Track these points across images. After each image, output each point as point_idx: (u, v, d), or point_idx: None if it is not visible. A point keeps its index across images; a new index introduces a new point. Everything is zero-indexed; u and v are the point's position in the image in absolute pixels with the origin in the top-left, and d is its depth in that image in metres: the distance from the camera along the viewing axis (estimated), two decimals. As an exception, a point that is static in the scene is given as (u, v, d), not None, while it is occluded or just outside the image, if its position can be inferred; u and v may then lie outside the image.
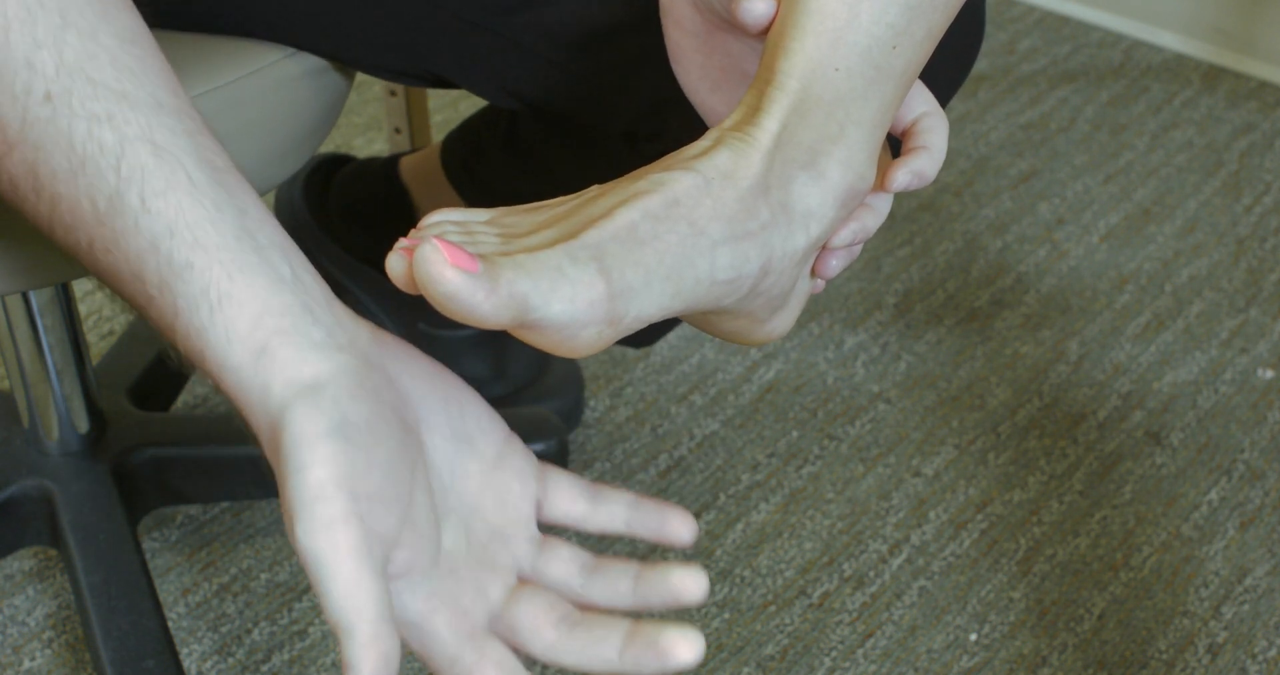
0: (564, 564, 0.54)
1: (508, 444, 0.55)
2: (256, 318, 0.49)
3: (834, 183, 0.57)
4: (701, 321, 0.61)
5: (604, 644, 0.51)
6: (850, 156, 0.57)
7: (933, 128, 0.61)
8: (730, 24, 0.61)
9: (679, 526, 0.55)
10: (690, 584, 0.52)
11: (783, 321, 0.62)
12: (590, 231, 0.52)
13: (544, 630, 0.52)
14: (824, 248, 0.60)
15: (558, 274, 0.50)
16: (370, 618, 0.47)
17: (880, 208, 0.61)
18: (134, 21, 0.53)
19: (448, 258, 0.47)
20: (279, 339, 0.49)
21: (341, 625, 0.47)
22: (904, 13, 0.56)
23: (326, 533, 0.48)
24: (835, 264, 0.61)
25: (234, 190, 0.51)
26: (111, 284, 0.51)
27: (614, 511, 0.56)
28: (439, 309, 0.48)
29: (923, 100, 0.62)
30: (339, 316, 0.51)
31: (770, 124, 0.56)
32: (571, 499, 0.56)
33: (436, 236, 0.48)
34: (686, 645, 0.50)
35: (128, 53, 0.52)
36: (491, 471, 0.54)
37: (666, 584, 0.53)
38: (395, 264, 0.49)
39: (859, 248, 0.62)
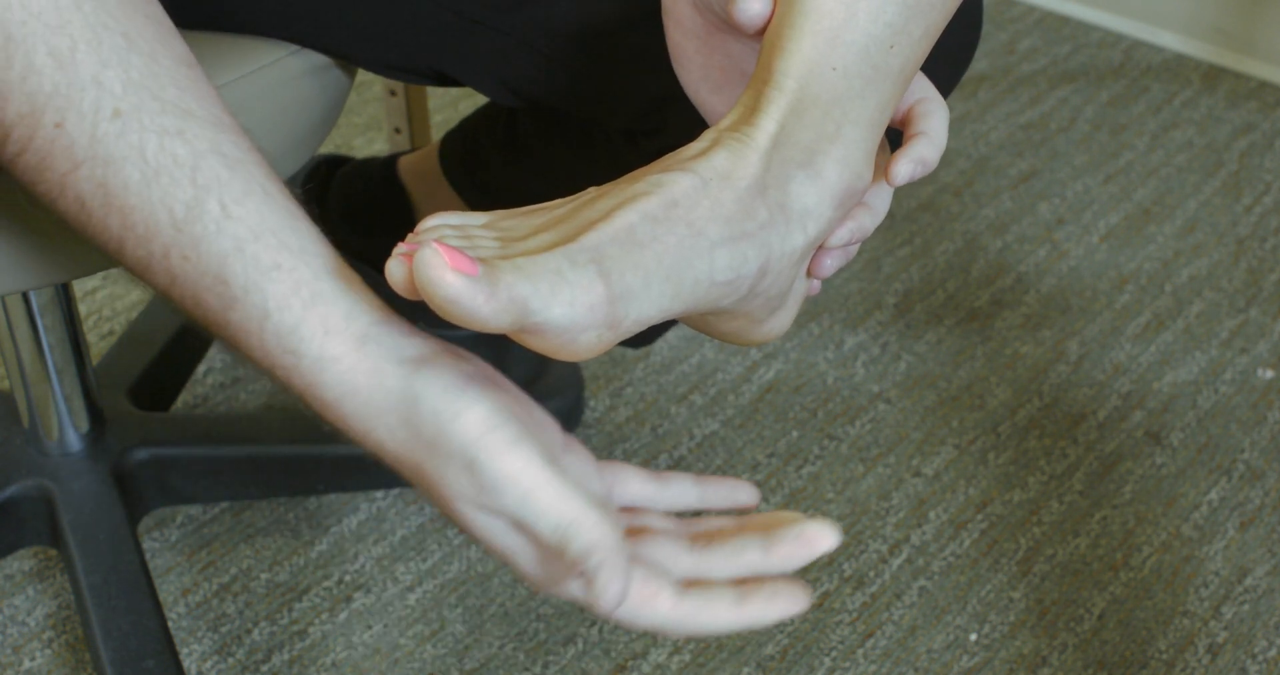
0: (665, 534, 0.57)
1: (567, 436, 0.57)
2: (349, 312, 0.52)
3: (831, 182, 0.57)
4: (699, 322, 0.61)
5: (746, 552, 0.54)
6: (848, 155, 0.57)
7: (930, 112, 0.61)
8: (730, 24, 0.61)
9: (745, 494, 0.58)
10: (824, 533, 0.54)
11: (780, 322, 0.62)
12: (589, 234, 0.52)
13: (680, 557, 0.54)
14: (820, 248, 0.60)
15: (557, 277, 0.50)
16: (587, 507, 0.51)
17: (878, 207, 0.61)
18: (186, 48, 0.55)
19: (448, 262, 0.47)
20: (378, 328, 0.52)
21: (562, 527, 0.50)
22: (901, 11, 0.56)
23: (514, 451, 0.51)
24: (830, 264, 0.61)
25: (297, 203, 0.54)
26: (186, 293, 0.52)
27: (682, 489, 0.58)
28: (440, 313, 0.48)
29: (919, 88, 0.62)
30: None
31: (767, 124, 0.56)
32: (641, 482, 0.58)
33: (436, 240, 0.49)
34: (826, 530, 0.53)
35: (186, 75, 0.54)
36: (565, 455, 0.55)
37: (799, 538, 0.55)
38: (395, 270, 0.49)
39: (855, 248, 0.62)
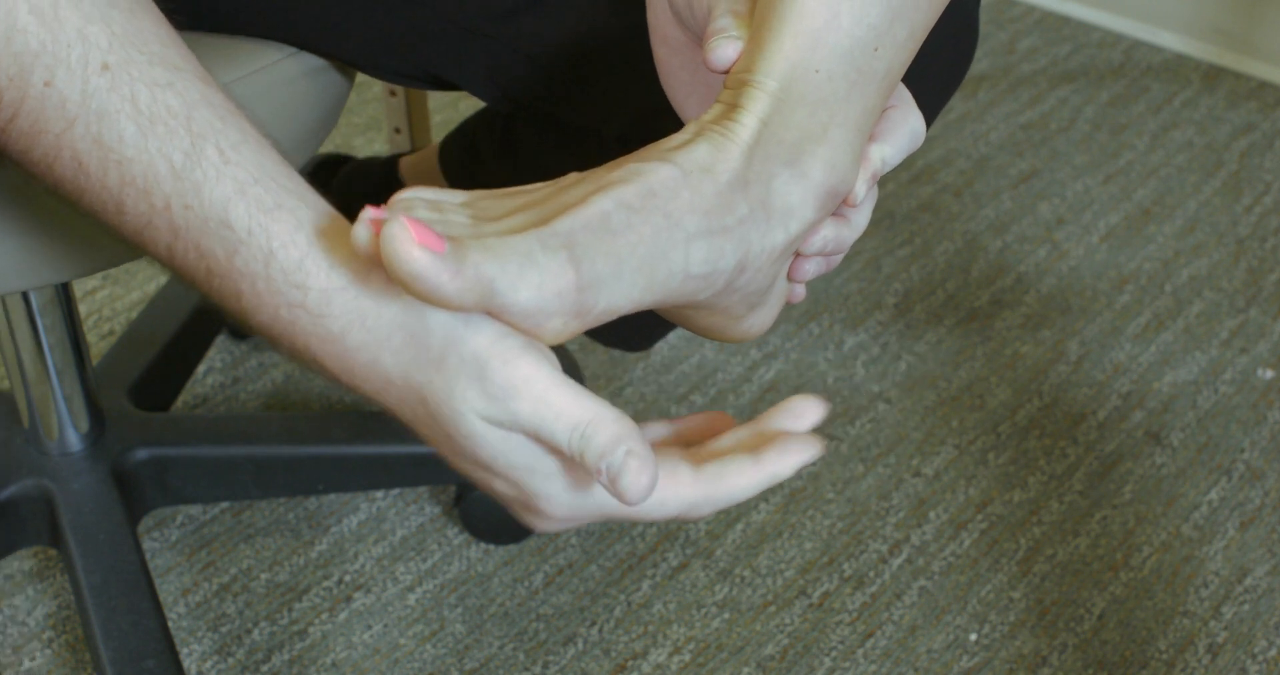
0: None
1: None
2: (352, 248, 0.51)
3: (816, 182, 0.56)
4: (677, 316, 0.61)
5: (737, 456, 0.55)
6: (834, 157, 0.56)
7: (892, 119, 0.60)
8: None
9: (721, 420, 0.59)
10: (810, 403, 0.56)
11: (760, 320, 0.61)
12: (563, 219, 0.51)
13: (680, 469, 0.55)
14: (797, 253, 0.59)
15: (527, 260, 0.50)
16: (603, 405, 0.52)
17: (856, 221, 0.60)
18: (158, 11, 0.55)
19: (414, 236, 0.47)
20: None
21: (581, 425, 0.50)
22: (885, 14, 0.55)
23: (526, 357, 0.51)
24: (810, 269, 0.60)
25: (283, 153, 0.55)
26: (189, 244, 0.52)
27: (657, 429, 0.60)
28: (403, 289, 0.48)
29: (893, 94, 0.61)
30: None
31: (750, 120, 0.55)
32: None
33: (405, 214, 0.48)
34: (812, 400, 0.55)
35: (166, 32, 0.54)
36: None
37: (788, 412, 0.56)
38: (361, 234, 0.49)
39: (837, 258, 0.61)
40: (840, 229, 0.59)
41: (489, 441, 0.52)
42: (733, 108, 0.56)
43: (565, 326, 0.51)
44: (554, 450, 0.52)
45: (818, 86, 0.55)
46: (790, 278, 0.61)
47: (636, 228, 0.52)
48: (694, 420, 0.59)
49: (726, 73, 0.57)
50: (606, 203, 0.52)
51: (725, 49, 0.57)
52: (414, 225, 0.47)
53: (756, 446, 0.54)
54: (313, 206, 0.53)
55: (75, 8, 0.52)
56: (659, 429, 0.59)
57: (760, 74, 0.56)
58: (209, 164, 0.51)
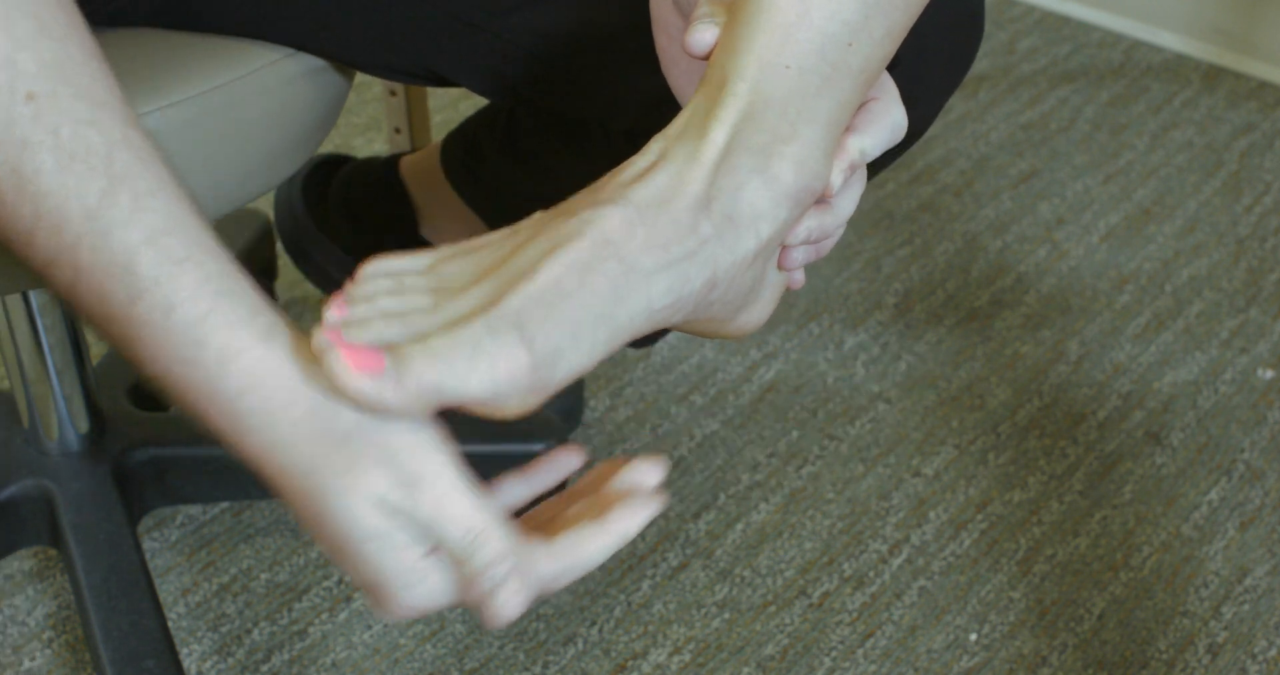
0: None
1: None
2: (255, 308, 0.51)
3: (786, 183, 0.56)
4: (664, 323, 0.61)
5: (584, 522, 0.55)
6: (804, 155, 0.56)
7: (871, 111, 0.59)
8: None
9: (566, 460, 0.61)
10: (650, 468, 0.57)
11: (754, 316, 0.61)
12: (512, 295, 0.51)
13: (535, 552, 0.54)
14: (783, 245, 0.59)
15: (475, 350, 0.50)
16: (496, 520, 0.52)
17: (841, 207, 0.60)
18: (94, 41, 0.54)
19: (351, 366, 0.49)
20: (285, 326, 0.52)
21: (473, 533, 0.51)
22: (860, 9, 0.55)
23: (439, 453, 0.52)
24: (798, 257, 0.60)
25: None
26: (91, 285, 0.51)
27: (511, 488, 0.59)
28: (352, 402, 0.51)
29: (876, 86, 0.60)
30: None
31: (718, 135, 0.55)
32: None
33: (342, 341, 0.50)
34: (653, 465, 0.56)
35: (96, 66, 0.53)
36: None
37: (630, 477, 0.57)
38: (319, 342, 0.50)
39: (828, 244, 0.61)
40: (823, 217, 0.59)
41: (368, 527, 0.51)
42: (704, 116, 0.56)
43: (525, 402, 0.52)
44: (438, 548, 0.52)
45: (788, 83, 0.55)
46: (781, 267, 0.60)
47: (591, 285, 0.52)
48: (542, 472, 0.60)
49: (706, 58, 0.58)
50: (556, 268, 0.52)
51: (704, 34, 0.57)
52: (349, 353, 0.49)
53: (601, 510, 0.55)
54: (221, 262, 0.52)
55: (6, 33, 0.51)
56: (514, 488, 0.59)
57: (732, 74, 0.56)
58: (122, 208, 0.51)
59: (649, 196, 0.54)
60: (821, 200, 0.59)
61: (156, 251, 0.50)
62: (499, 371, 0.50)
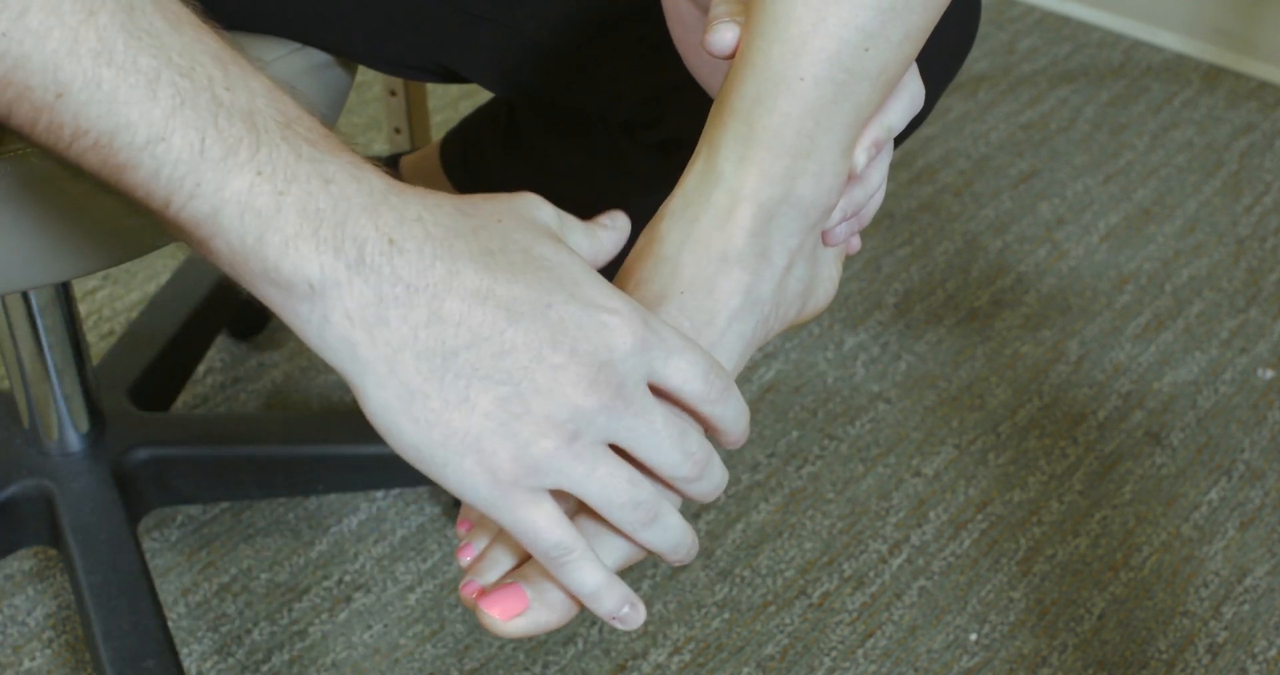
0: None
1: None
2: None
3: (808, 200, 0.57)
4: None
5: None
6: (822, 167, 0.57)
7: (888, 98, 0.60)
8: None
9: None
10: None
11: (821, 298, 0.63)
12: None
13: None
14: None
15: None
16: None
17: (870, 178, 0.60)
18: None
19: (500, 618, 0.53)
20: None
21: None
22: (876, 15, 0.55)
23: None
24: (841, 232, 0.61)
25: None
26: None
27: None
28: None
29: None
30: None
31: (742, 183, 0.57)
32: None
33: (479, 597, 0.54)
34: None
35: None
36: None
37: None
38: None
39: (869, 213, 0.62)
40: (853, 193, 0.60)
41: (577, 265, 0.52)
42: (734, 164, 0.57)
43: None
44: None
45: (805, 96, 0.56)
46: (826, 243, 0.61)
47: None
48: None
49: (728, 57, 0.58)
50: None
51: (724, 34, 0.57)
52: (495, 605, 0.53)
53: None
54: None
55: None
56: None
57: (749, 98, 0.56)
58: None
59: (680, 285, 0.58)
60: (849, 177, 0.59)
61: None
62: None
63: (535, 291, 0.50)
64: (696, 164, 0.58)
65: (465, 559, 0.55)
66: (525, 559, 0.55)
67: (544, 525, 0.51)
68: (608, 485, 0.51)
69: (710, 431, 0.55)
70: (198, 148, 0.46)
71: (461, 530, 0.57)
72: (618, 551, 0.54)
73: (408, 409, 0.49)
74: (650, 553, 0.55)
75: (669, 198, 0.59)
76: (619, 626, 0.54)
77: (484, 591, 0.53)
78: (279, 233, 0.47)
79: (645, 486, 0.52)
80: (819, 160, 0.57)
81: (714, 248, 0.57)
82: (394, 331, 0.48)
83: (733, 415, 0.55)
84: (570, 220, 0.56)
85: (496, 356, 0.49)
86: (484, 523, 0.56)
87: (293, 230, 0.47)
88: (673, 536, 0.54)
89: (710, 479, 0.54)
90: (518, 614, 0.53)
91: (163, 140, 0.46)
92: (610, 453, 0.51)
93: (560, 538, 0.51)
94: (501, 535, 0.55)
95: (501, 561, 0.55)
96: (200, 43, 0.48)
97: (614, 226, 0.58)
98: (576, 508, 0.54)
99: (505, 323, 0.49)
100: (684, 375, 0.52)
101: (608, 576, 0.53)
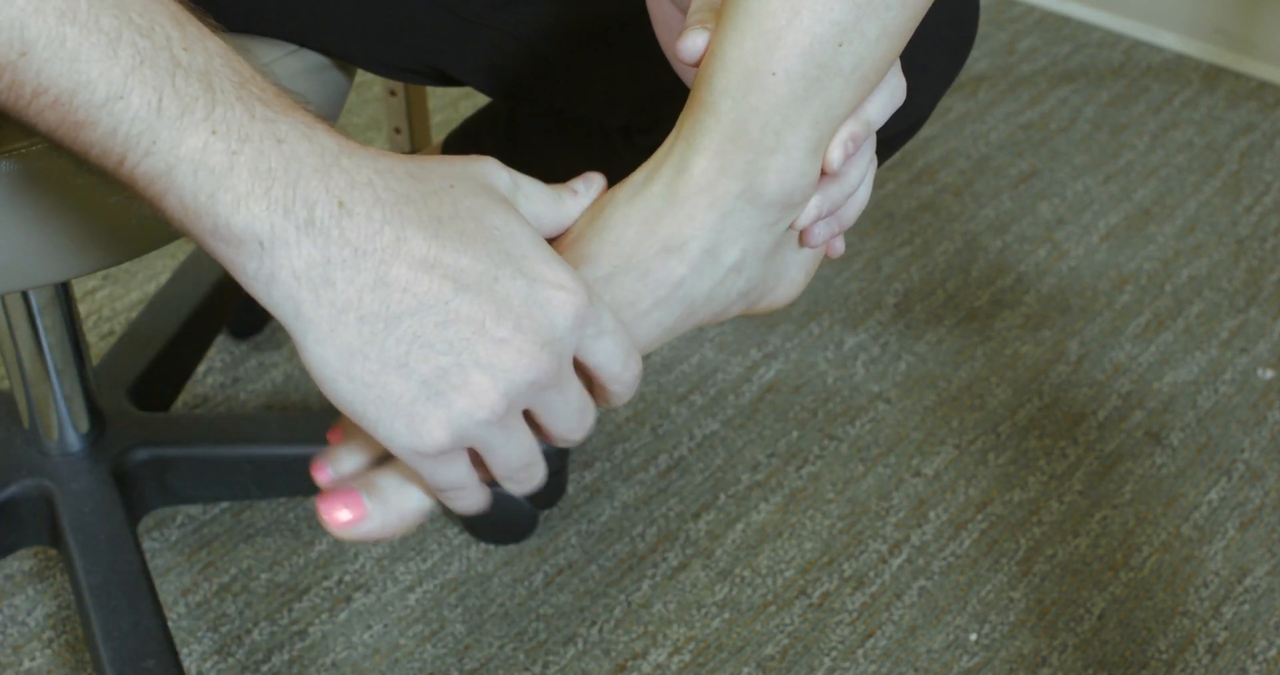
0: None
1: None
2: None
3: (770, 195, 0.57)
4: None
5: None
6: (787, 163, 0.56)
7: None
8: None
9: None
10: None
11: (781, 295, 0.63)
12: None
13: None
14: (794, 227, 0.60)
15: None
16: None
17: (849, 176, 0.60)
18: None
19: (335, 525, 0.55)
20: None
21: None
22: (851, 10, 0.54)
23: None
24: (820, 232, 0.60)
25: None
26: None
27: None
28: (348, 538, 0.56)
29: None
30: None
31: (698, 167, 0.57)
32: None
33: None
34: None
35: None
36: None
37: None
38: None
39: (850, 213, 0.61)
40: (829, 191, 0.59)
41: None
42: (686, 147, 0.57)
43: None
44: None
45: (775, 91, 0.55)
46: (804, 244, 0.61)
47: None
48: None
49: (697, 65, 0.58)
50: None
51: (695, 40, 0.57)
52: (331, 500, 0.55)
53: None
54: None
55: None
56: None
57: (717, 90, 0.56)
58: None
59: (614, 259, 0.57)
60: (823, 176, 0.59)
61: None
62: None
63: (483, 263, 0.50)
64: (663, 148, 0.58)
65: (321, 478, 0.56)
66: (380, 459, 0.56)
67: (454, 478, 0.53)
68: (514, 454, 0.53)
69: (597, 399, 0.57)
70: (155, 106, 0.47)
71: (332, 439, 0.57)
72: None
73: (346, 367, 0.50)
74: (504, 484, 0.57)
75: (636, 170, 0.59)
76: (515, 489, 0.55)
77: (324, 493, 0.55)
78: (231, 191, 0.48)
79: (535, 451, 0.55)
80: (784, 156, 0.56)
81: (660, 232, 0.57)
82: (339, 293, 0.49)
83: (626, 393, 0.57)
84: (530, 184, 0.57)
85: (440, 326, 0.50)
86: (355, 434, 0.57)
87: (244, 189, 0.48)
88: (535, 484, 0.56)
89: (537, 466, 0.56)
90: (355, 523, 0.54)
91: (121, 98, 0.47)
92: (524, 422, 0.53)
93: (462, 481, 0.54)
94: (365, 441, 0.56)
95: (353, 460, 0.56)
96: (158, 3, 0.49)
97: (584, 192, 0.59)
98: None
99: (451, 293, 0.50)
100: (607, 355, 0.54)
101: (478, 488, 0.55)
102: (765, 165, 0.56)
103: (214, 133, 0.48)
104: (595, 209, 0.59)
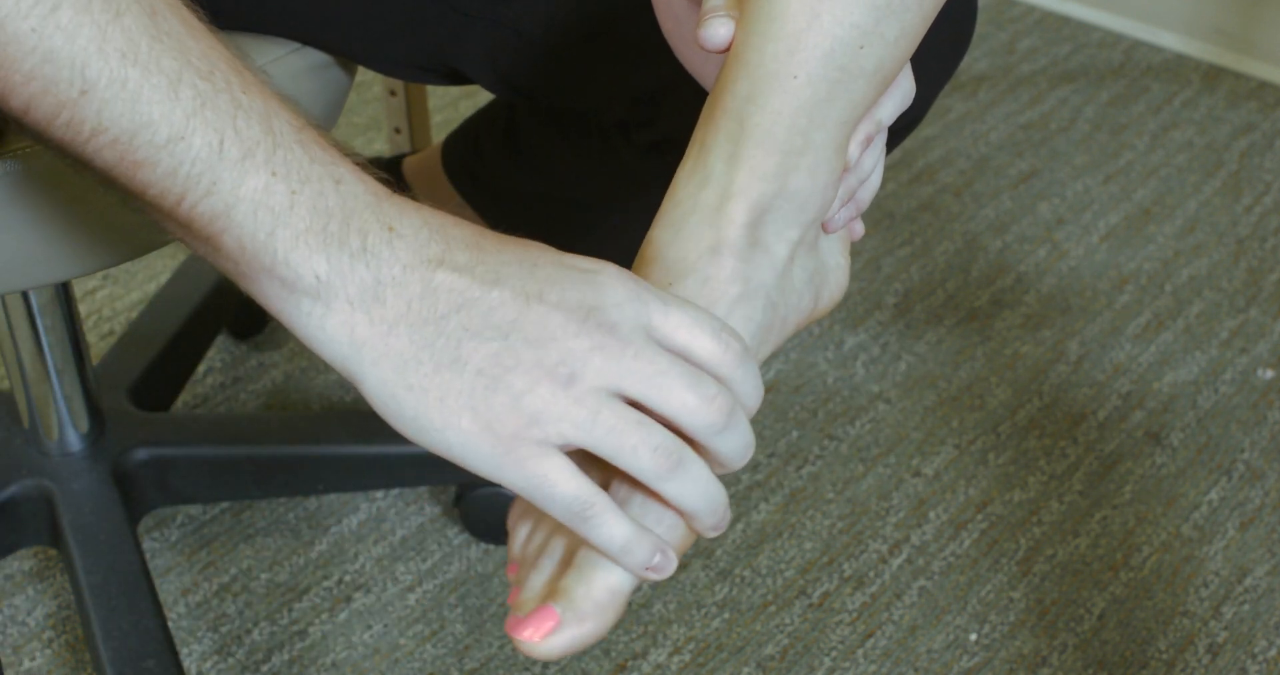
0: None
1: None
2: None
3: (804, 193, 0.57)
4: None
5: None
6: (816, 162, 0.57)
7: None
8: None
9: None
10: None
11: (834, 290, 0.63)
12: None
13: None
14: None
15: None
16: None
17: (863, 165, 0.60)
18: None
19: (531, 639, 0.53)
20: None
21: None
22: (870, 13, 0.55)
23: None
24: (840, 218, 0.61)
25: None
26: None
27: None
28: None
29: None
30: None
31: (740, 187, 0.57)
32: None
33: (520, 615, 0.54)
34: None
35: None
36: None
37: None
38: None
39: (866, 197, 0.62)
40: (846, 181, 0.60)
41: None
42: (726, 163, 0.57)
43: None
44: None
45: (799, 94, 0.56)
46: (826, 230, 0.61)
47: None
48: None
49: (723, 52, 0.58)
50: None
51: (719, 29, 0.57)
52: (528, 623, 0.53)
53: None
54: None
55: None
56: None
57: (743, 97, 0.56)
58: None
59: (668, 277, 0.57)
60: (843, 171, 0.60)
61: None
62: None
63: (522, 257, 0.51)
64: (686, 164, 0.58)
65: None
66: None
67: (555, 478, 0.50)
68: (614, 428, 0.50)
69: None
70: (216, 148, 0.48)
71: (510, 576, 0.57)
72: (657, 526, 0.54)
73: (402, 378, 0.50)
74: (681, 513, 0.53)
75: (664, 201, 0.59)
76: (652, 577, 0.52)
77: (516, 619, 0.53)
78: (289, 228, 0.49)
79: (659, 428, 0.51)
80: (813, 156, 0.56)
81: (704, 242, 0.57)
82: (389, 308, 0.49)
83: (752, 383, 0.55)
84: None
85: (485, 314, 0.50)
86: (532, 536, 0.56)
87: (303, 226, 0.49)
88: (700, 487, 0.52)
89: (737, 431, 0.53)
90: (550, 632, 0.52)
91: (183, 139, 0.48)
92: (615, 398, 0.50)
93: (577, 490, 0.50)
94: (539, 564, 0.55)
95: (536, 585, 0.55)
96: (215, 50, 0.50)
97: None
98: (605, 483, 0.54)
99: (493, 285, 0.50)
100: (689, 330, 0.52)
101: (634, 526, 0.51)
102: (795, 165, 0.56)
103: (274, 174, 0.49)
104: (640, 252, 0.59)
